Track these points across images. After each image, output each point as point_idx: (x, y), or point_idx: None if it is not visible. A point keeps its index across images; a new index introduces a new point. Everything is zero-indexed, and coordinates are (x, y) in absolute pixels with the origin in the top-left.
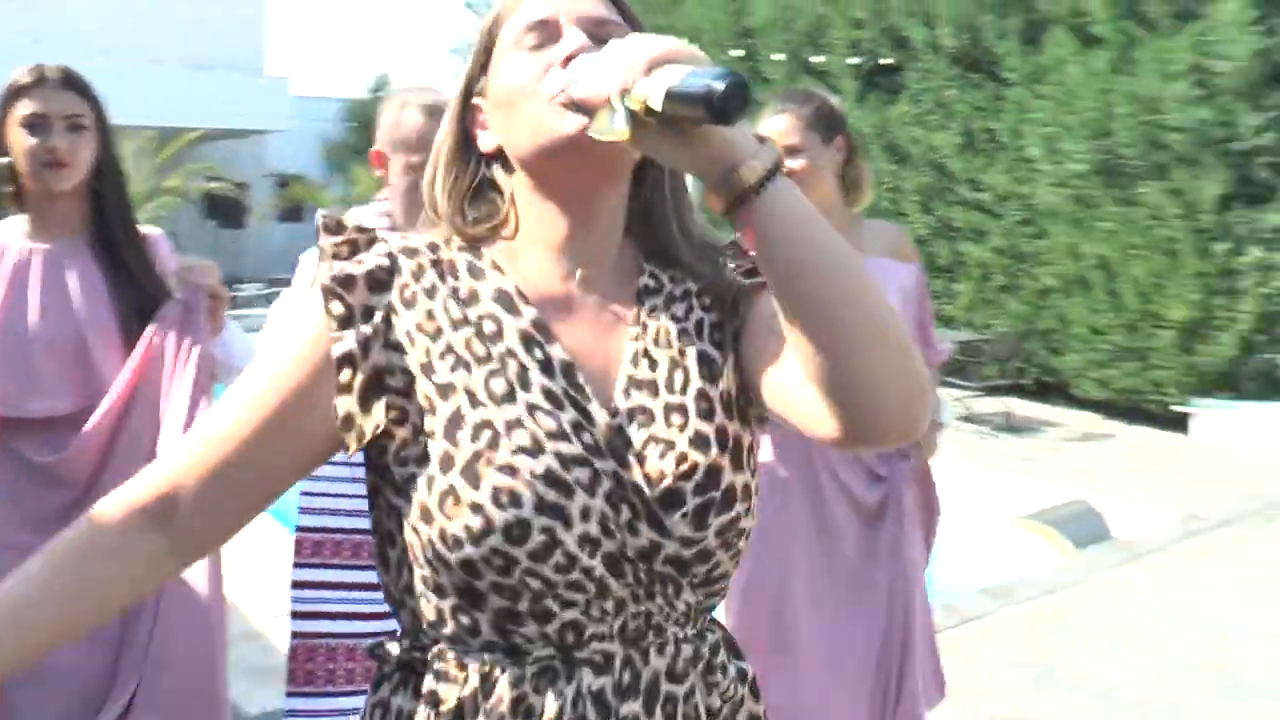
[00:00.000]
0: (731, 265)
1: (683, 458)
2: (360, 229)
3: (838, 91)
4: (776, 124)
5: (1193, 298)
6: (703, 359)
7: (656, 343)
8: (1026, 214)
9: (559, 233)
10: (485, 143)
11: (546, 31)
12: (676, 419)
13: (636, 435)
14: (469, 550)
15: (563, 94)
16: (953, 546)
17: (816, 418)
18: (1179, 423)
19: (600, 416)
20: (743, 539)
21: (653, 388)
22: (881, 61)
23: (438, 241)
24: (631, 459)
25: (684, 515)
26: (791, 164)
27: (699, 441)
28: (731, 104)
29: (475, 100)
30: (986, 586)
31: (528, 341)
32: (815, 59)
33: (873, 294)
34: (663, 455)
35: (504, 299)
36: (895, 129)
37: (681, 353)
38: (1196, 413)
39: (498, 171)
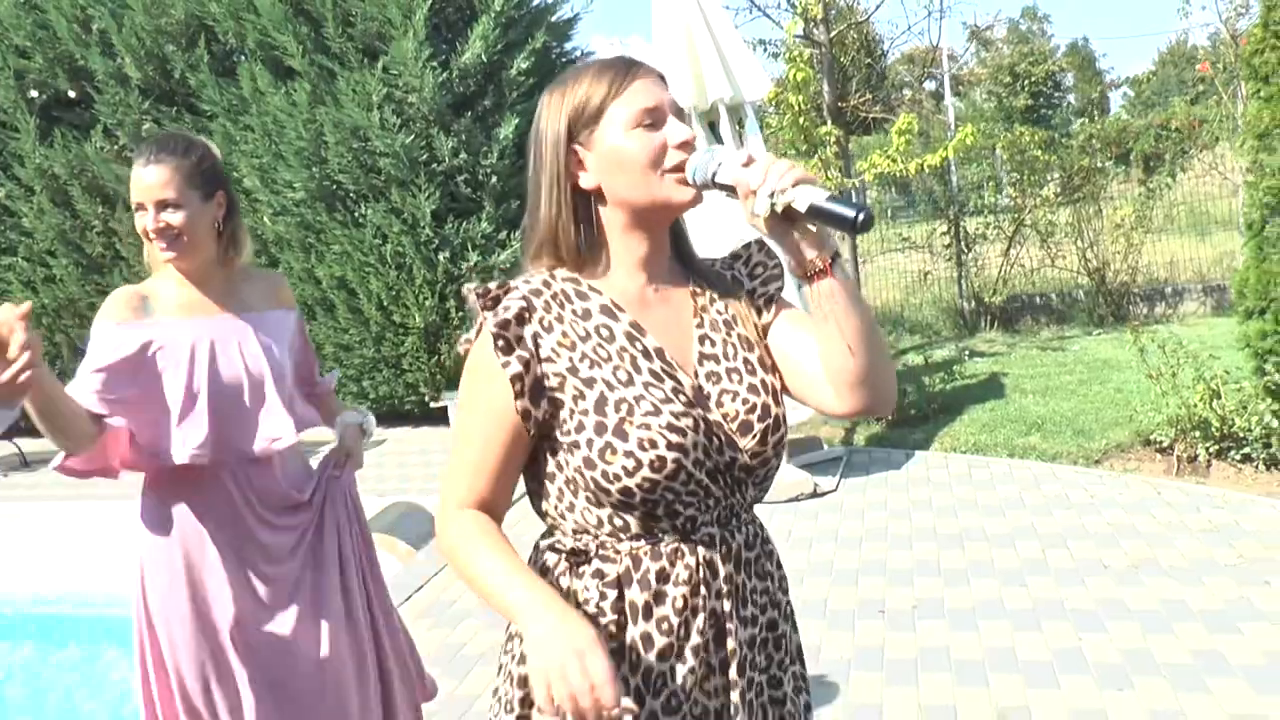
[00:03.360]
0: (751, 278)
1: (746, 401)
2: (499, 287)
3: (14, 129)
4: (150, 176)
5: (428, 304)
6: (741, 338)
7: (712, 328)
8: (256, 245)
9: (641, 253)
10: (586, 182)
11: (655, 116)
12: (735, 377)
13: (713, 390)
14: (626, 481)
15: (682, 172)
16: None
17: (832, 399)
18: (440, 416)
19: (687, 381)
20: (784, 446)
21: (715, 359)
22: (70, 94)
23: (547, 279)
24: (713, 406)
25: (753, 438)
26: (170, 219)
27: (753, 390)
28: (865, 228)
29: (576, 146)
30: None
31: (630, 338)
32: None
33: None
34: (732, 400)
35: (607, 310)
36: (97, 167)
37: (728, 334)
38: (452, 404)
39: (592, 204)
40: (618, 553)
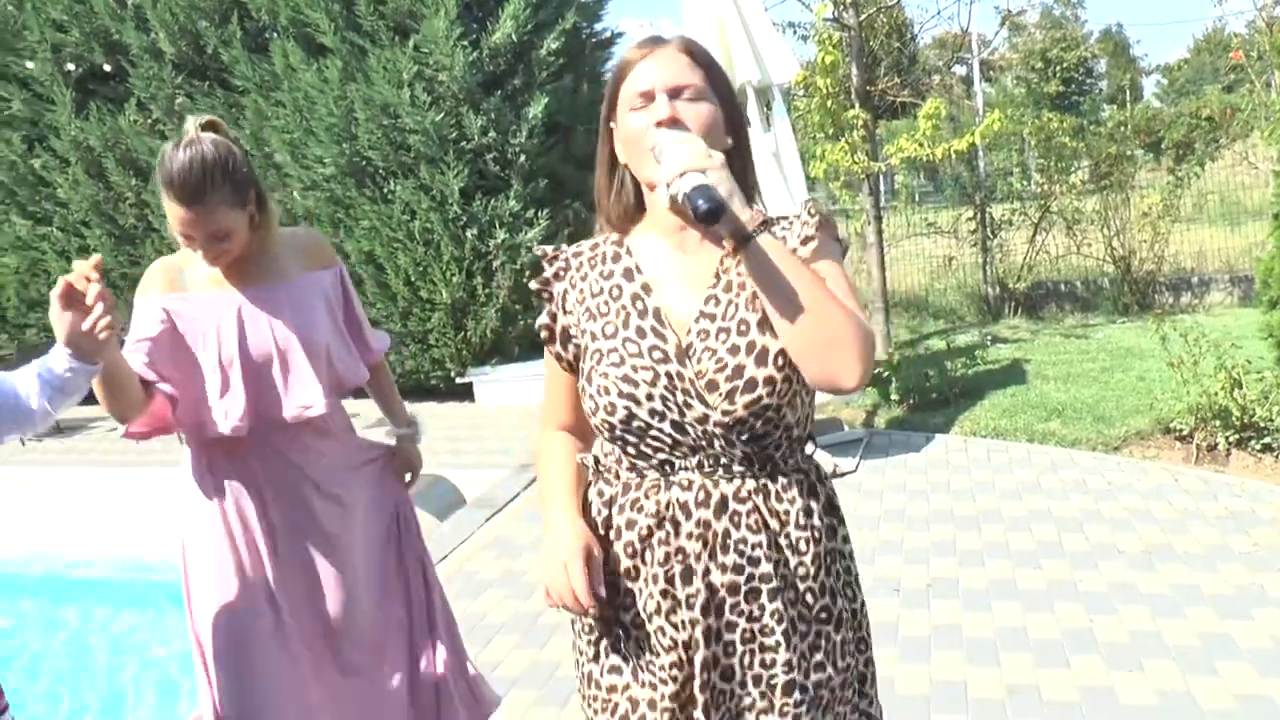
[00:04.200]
0: (786, 235)
1: (720, 361)
2: (556, 249)
3: (50, 101)
4: (198, 214)
5: (455, 280)
6: (748, 300)
7: (726, 290)
8: (284, 219)
9: (667, 220)
10: (621, 157)
11: (647, 98)
12: (723, 336)
13: (699, 348)
14: (593, 419)
15: (653, 151)
16: None
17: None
18: (464, 391)
19: (673, 339)
20: (772, 410)
21: (713, 318)
22: (106, 67)
23: (598, 241)
24: (691, 363)
25: (721, 396)
26: (223, 246)
27: (733, 351)
28: (707, 220)
29: (612, 126)
30: None
31: (635, 298)
32: (28, 65)
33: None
34: (709, 358)
35: (628, 273)
36: (129, 140)
37: (738, 295)
38: (477, 380)
39: (630, 175)
40: (617, 478)
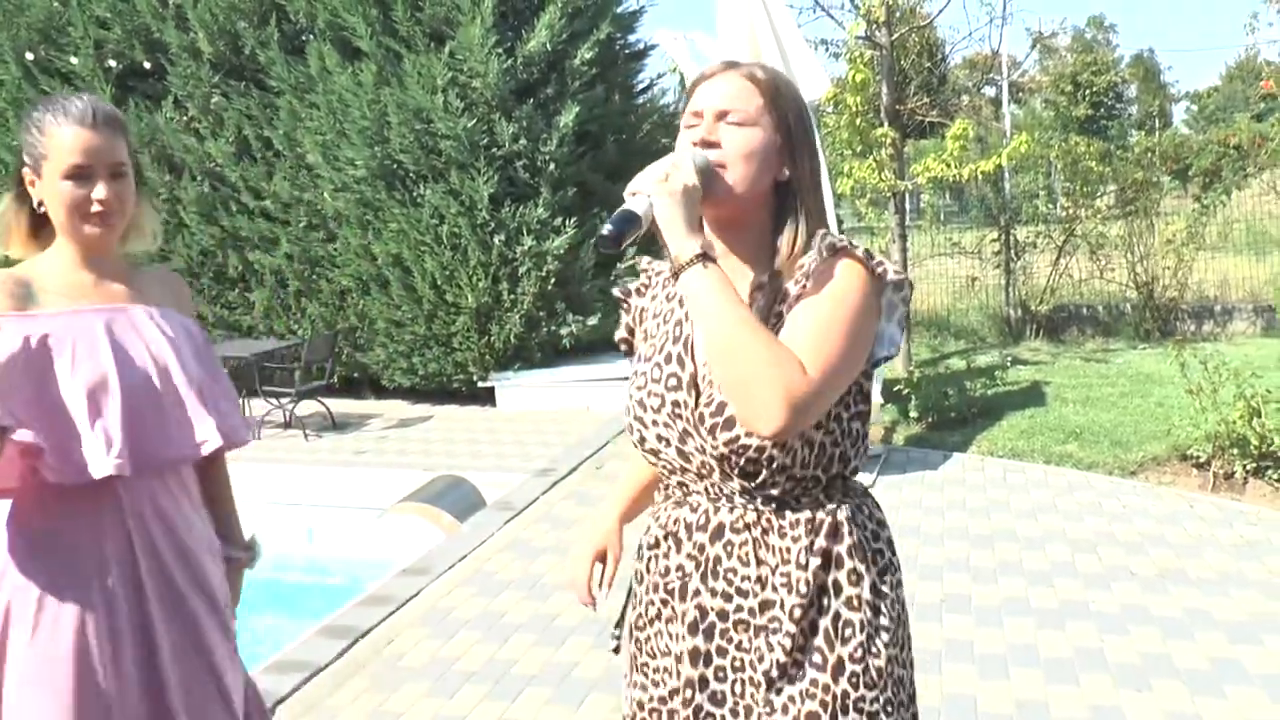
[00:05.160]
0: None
1: (711, 394)
2: (643, 265)
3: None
4: (101, 136)
5: (481, 285)
6: None
7: None
8: (314, 219)
9: (720, 249)
10: None
11: (697, 116)
12: None
13: (707, 380)
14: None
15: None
16: (341, 544)
17: None
18: (486, 395)
19: (689, 368)
20: (753, 450)
21: None
22: (145, 65)
23: None
24: (696, 395)
25: (706, 429)
26: (121, 190)
27: None
28: (601, 244)
29: None
30: (405, 567)
31: (678, 324)
32: (71, 60)
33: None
34: (708, 392)
35: (681, 300)
36: (165, 137)
37: None
38: (499, 385)
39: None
40: (664, 489)
